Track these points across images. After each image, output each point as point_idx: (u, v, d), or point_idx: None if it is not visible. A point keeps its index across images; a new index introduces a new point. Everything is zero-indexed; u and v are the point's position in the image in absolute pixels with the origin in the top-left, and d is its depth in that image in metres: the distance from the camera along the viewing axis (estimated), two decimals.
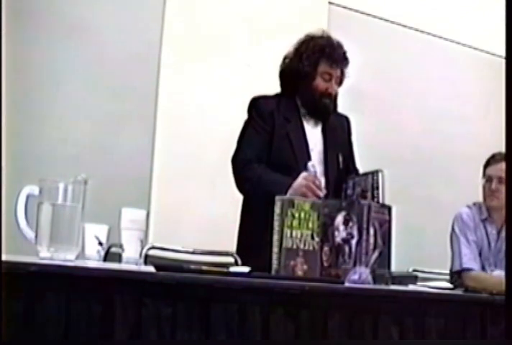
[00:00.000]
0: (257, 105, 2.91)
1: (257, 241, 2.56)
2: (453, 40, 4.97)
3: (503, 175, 3.33)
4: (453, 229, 3.43)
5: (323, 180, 2.77)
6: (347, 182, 2.78)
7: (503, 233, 3.35)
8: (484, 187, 3.43)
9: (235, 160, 2.84)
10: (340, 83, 2.94)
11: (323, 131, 2.93)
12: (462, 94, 4.93)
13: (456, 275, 3.34)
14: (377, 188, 2.57)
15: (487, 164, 3.47)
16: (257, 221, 2.65)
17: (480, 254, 3.39)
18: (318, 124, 2.93)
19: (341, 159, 2.94)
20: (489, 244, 3.42)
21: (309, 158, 2.84)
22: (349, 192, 2.75)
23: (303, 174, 2.64)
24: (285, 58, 2.99)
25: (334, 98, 2.94)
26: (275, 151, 2.81)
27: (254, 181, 2.72)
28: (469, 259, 3.35)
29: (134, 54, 3.77)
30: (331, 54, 2.89)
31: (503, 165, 3.34)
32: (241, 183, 2.80)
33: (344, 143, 3.01)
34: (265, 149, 2.81)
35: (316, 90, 2.87)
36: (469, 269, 3.32)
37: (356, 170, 3.02)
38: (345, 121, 3.06)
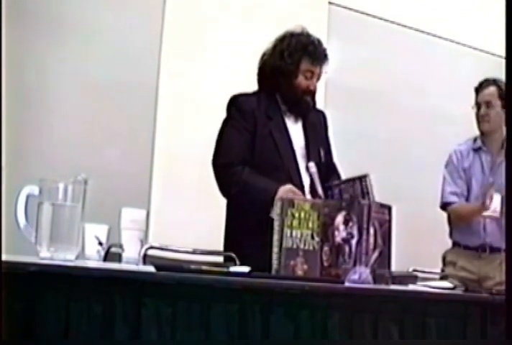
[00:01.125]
0: (237, 103, 2.88)
1: (246, 243, 2.58)
2: (453, 40, 4.97)
3: (490, 98, 3.57)
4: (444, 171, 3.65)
5: (307, 177, 2.78)
6: (332, 189, 2.76)
7: (498, 160, 3.55)
8: (476, 115, 3.62)
9: (217, 163, 2.79)
10: (318, 78, 2.93)
11: (304, 127, 2.93)
12: (462, 94, 4.92)
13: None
14: (368, 193, 2.56)
15: (476, 92, 3.65)
16: (243, 223, 2.66)
17: (469, 188, 3.57)
18: (299, 121, 2.93)
19: (322, 153, 2.93)
20: (483, 171, 3.58)
21: (294, 155, 2.83)
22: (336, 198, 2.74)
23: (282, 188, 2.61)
24: (263, 55, 2.96)
25: (313, 95, 2.94)
26: (258, 150, 2.78)
27: (241, 186, 2.68)
28: (450, 194, 3.57)
29: (134, 54, 3.77)
30: (313, 52, 2.87)
31: (489, 90, 3.60)
32: (225, 188, 2.76)
33: (323, 138, 3.01)
34: (248, 149, 2.77)
35: (298, 87, 2.86)
36: (449, 203, 3.54)
37: (333, 164, 3.03)
38: (322, 116, 3.06)
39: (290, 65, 2.85)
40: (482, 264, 3.51)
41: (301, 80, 2.86)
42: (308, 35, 2.92)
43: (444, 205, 3.56)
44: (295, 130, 2.91)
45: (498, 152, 3.56)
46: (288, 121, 2.90)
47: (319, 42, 2.92)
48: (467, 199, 3.56)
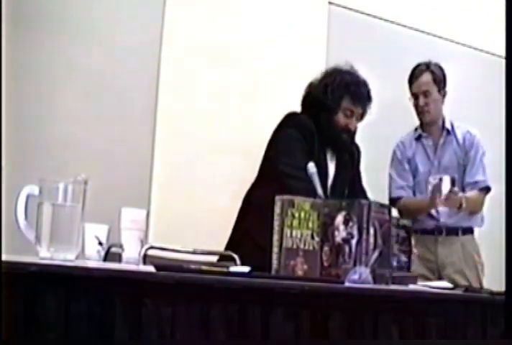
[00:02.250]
0: (299, 123, 2.93)
1: (259, 241, 2.58)
2: (453, 40, 4.97)
3: (427, 87, 3.50)
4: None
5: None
6: None
7: (440, 142, 3.55)
8: (414, 106, 3.54)
9: (289, 163, 2.83)
10: (361, 118, 3.00)
11: (337, 166, 3.01)
12: (462, 94, 4.92)
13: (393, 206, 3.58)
14: None
15: (410, 82, 3.57)
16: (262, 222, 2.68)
17: (415, 176, 3.54)
18: (334, 157, 3.00)
19: (346, 192, 3.02)
20: (427, 156, 3.57)
21: (326, 190, 2.85)
22: None
23: None
24: (310, 84, 3.03)
25: (352, 133, 3.00)
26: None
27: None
28: (396, 189, 3.55)
29: (134, 54, 3.76)
30: (356, 92, 2.94)
31: (423, 79, 3.52)
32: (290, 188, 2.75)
33: (351, 172, 3.08)
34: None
35: (337, 124, 2.93)
36: (398, 198, 3.51)
37: (363, 191, 3.11)
38: (356, 149, 3.14)
39: (332, 100, 2.92)
40: (440, 249, 3.44)
41: (340, 117, 2.94)
42: (354, 74, 2.99)
43: (392, 200, 3.52)
44: (330, 166, 3.00)
45: (439, 135, 3.56)
46: (327, 155, 2.98)
47: (364, 82, 2.98)
48: (414, 189, 3.55)
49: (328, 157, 3.00)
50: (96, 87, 3.65)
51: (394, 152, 3.64)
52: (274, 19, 4.22)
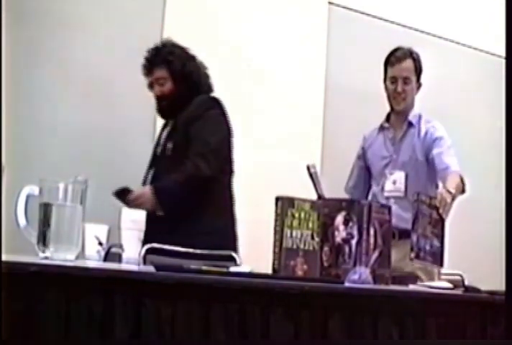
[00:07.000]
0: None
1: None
2: (453, 40, 4.97)
3: (408, 74, 3.26)
4: None
5: None
6: None
7: (399, 135, 3.33)
8: (388, 90, 3.32)
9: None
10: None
11: None
12: (462, 94, 4.93)
13: None
14: None
15: (391, 65, 3.32)
16: None
17: (371, 170, 3.39)
18: None
19: None
20: (386, 148, 3.37)
21: None
22: None
23: None
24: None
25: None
26: None
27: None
28: (348, 187, 3.43)
29: (134, 53, 3.76)
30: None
31: (406, 64, 3.27)
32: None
33: None
34: None
35: None
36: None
37: None
38: None
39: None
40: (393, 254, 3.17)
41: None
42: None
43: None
44: None
45: (400, 128, 3.35)
46: None
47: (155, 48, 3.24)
48: (371, 184, 3.40)
49: None
50: (96, 87, 3.66)
51: (360, 146, 3.49)
52: (274, 19, 4.23)
